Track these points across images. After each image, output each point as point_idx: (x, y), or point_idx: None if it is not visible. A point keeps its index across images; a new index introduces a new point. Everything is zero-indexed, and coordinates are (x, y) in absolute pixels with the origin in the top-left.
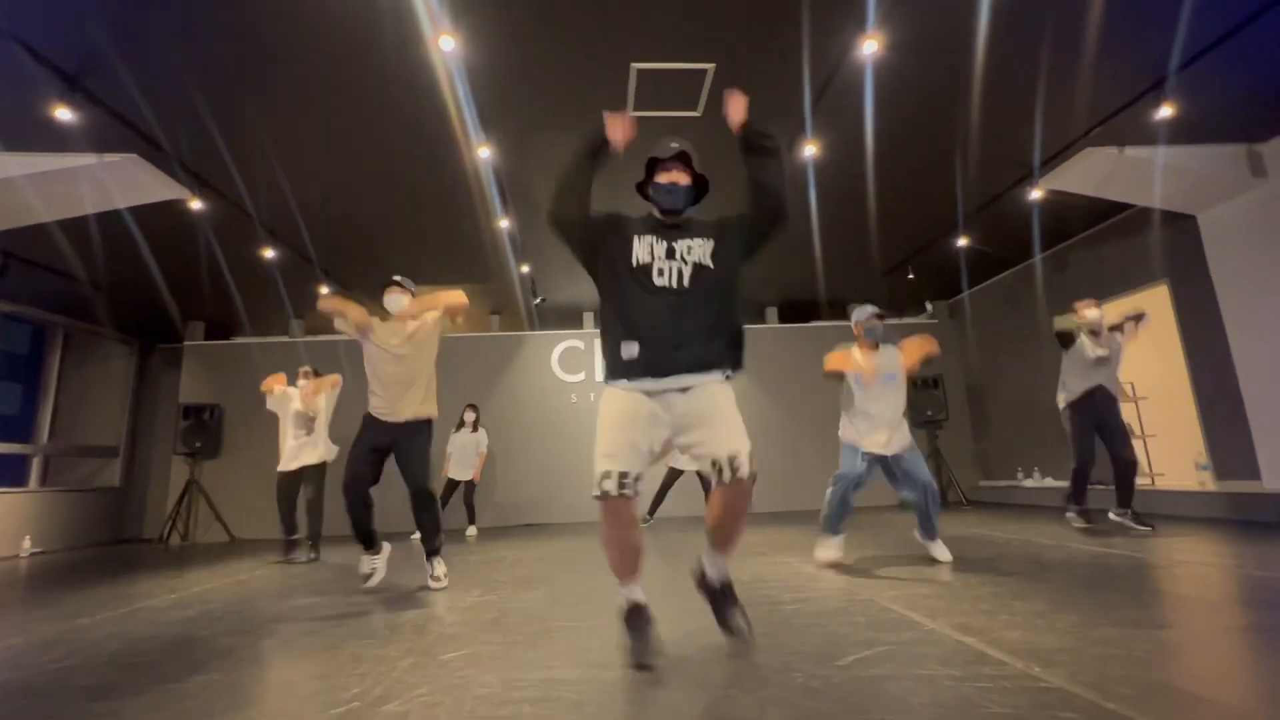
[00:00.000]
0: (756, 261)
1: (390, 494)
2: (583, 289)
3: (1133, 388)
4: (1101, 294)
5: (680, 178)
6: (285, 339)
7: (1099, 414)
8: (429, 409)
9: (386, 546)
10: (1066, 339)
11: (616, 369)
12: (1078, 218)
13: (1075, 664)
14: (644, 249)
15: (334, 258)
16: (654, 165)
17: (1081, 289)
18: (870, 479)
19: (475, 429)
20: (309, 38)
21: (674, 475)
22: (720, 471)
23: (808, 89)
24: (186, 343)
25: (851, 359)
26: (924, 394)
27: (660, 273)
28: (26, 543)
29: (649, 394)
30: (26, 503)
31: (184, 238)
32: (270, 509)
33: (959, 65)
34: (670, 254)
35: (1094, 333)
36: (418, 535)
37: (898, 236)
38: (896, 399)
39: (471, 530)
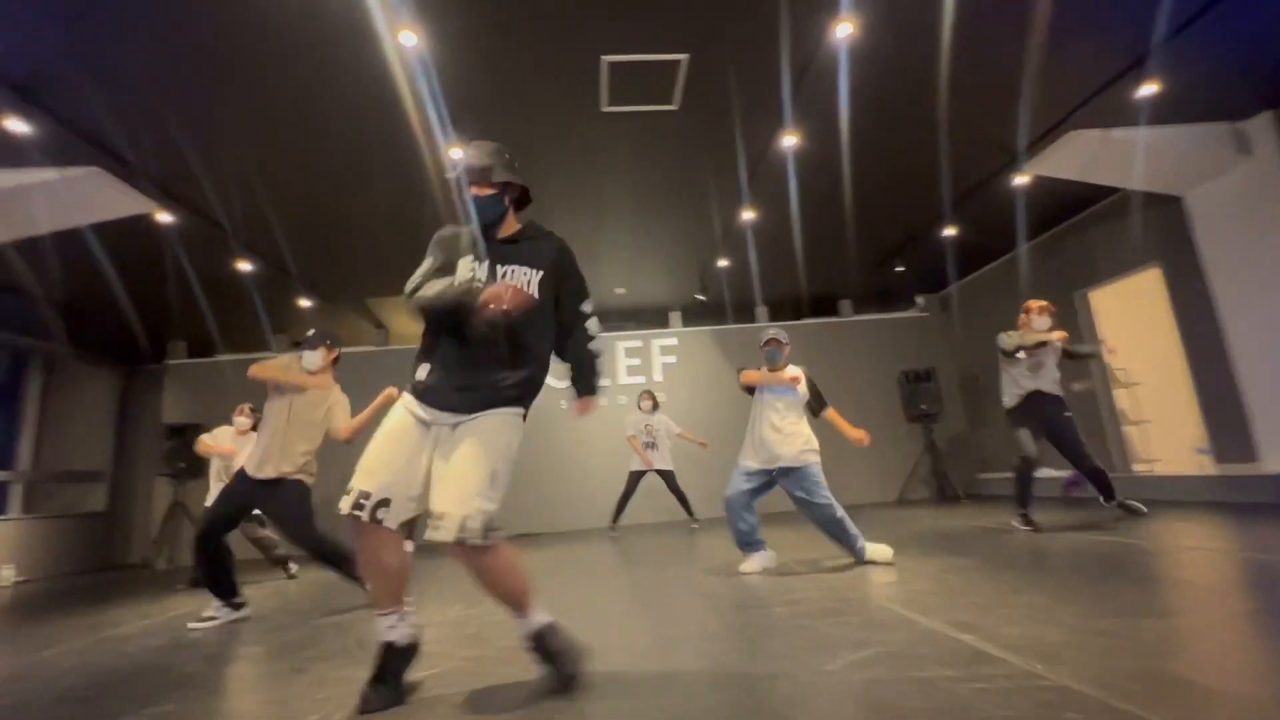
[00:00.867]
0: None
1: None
2: None
3: (1125, 374)
4: (1092, 280)
5: (481, 190)
6: (266, 355)
7: (1042, 419)
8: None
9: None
10: (1009, 352)
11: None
12: (1065, 203)
13: (1078, 659)
14: (465, 269)
15: (312, 268)
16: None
17: (1072, 276)
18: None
19: None
20: (274, 40)
21: (636, 479)
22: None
23: (786, 76)
24: (169, 362)
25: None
26: (918, 387)
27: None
28: (7, 572)
29: (425, 422)
30: (9, 531)
31: (156, 254)
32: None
33: (937, 46)
34: (492, 277)
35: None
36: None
37: (883, 228)
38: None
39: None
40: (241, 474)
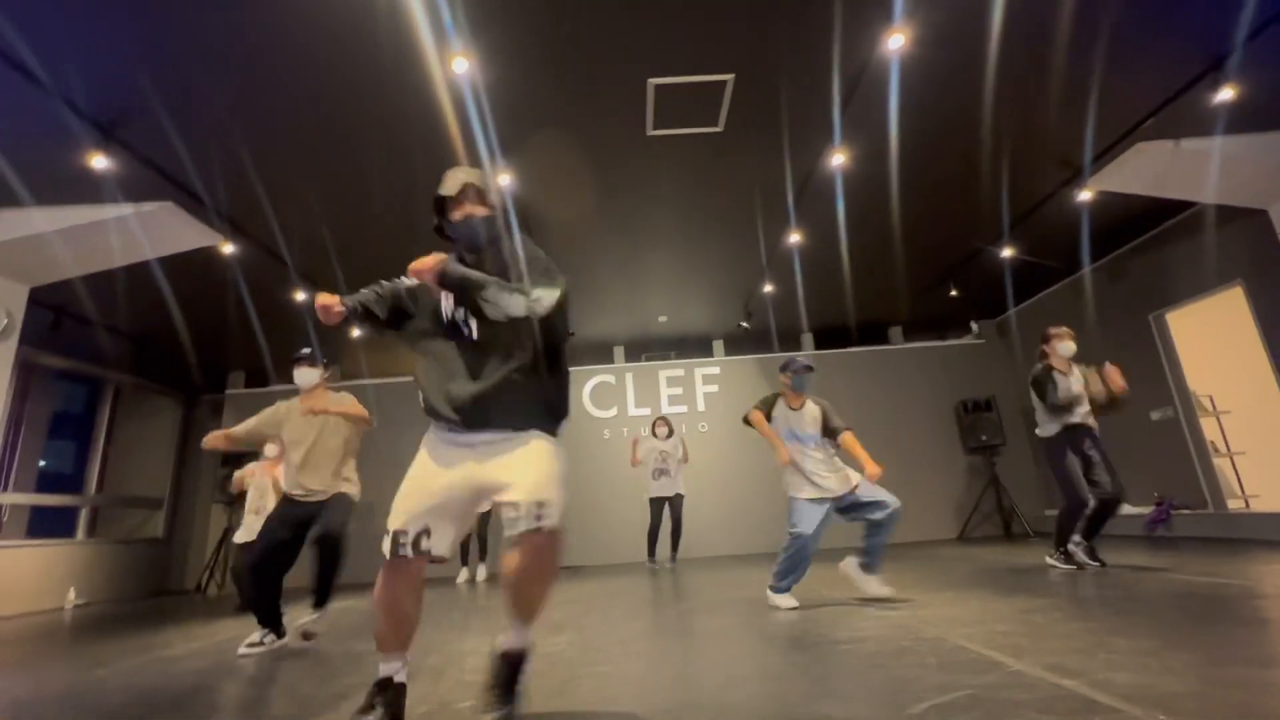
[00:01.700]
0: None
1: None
2: (612, 322)
3: (1212, 401)
4: (1168, 301)
5: (476, 209)
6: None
7: (1078, 448)
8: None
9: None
10: (1041, 388)
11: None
12: (1135, 220)
13: (1209, 711)
14: (449, 302)
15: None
16: (443, 203)
17: (1146, 297)
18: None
19: None
20: (336, 78)
21: (659, 506)
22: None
23: (835, 92)
24: (228, 391)
25: (770, 433)
26: (978, 418)
27: (462, 324)
28: (71, 594)
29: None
30: (73, 554)
31: (219, 286)
32: (301, 558)
33: (993, 57)
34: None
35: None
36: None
37: (936, 251)
38: (824, 450)
39: (481, 571)
40: (287, 499)
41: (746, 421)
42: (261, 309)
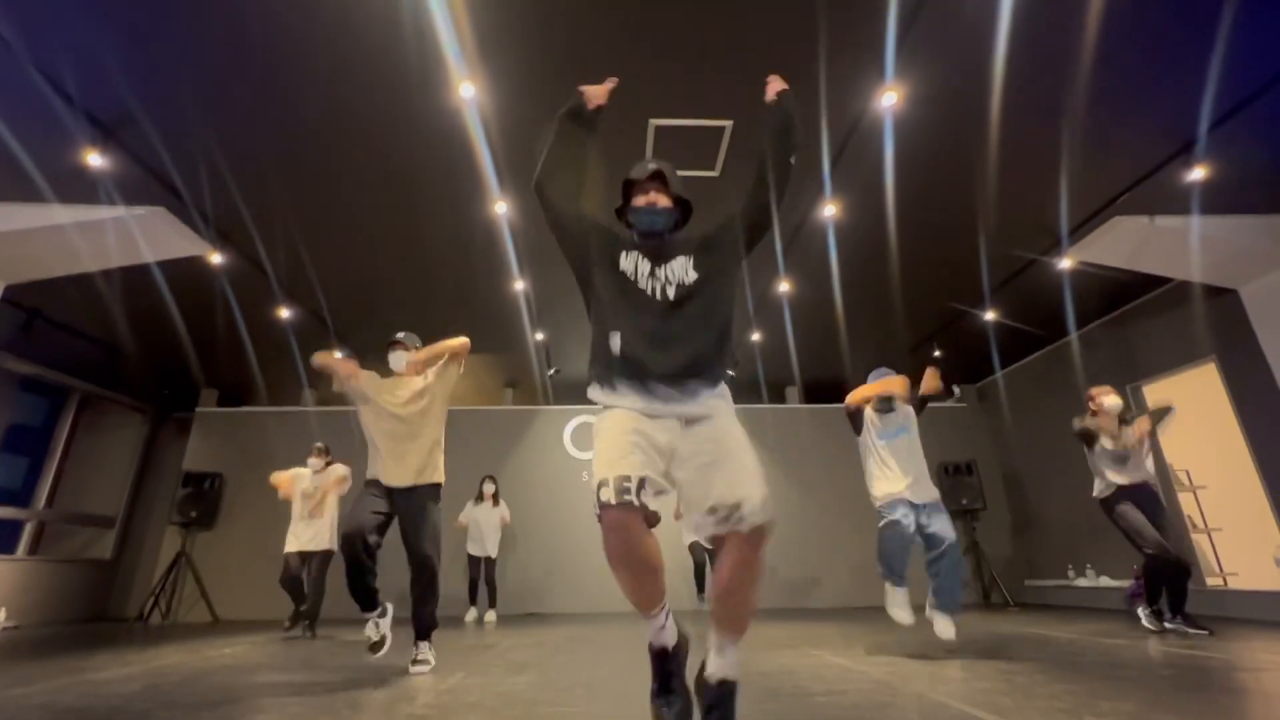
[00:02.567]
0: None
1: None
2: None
3: (1189, 476)
4: (1145, 374)
5: (659, 198)
6: (297, 408)
7: (1139, 505)
8: (435, 474)
9: (389, 608)
10: (1089, 438)
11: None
12: (1114, 292)
13: None
14: (628, 262)
15: (348, 320)
16: (630, 188)
17: (1122, 368)
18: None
19: (496, 502)
20: (330, 92)
21: (702, 550)
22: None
23: (825, 146)
24: (198, 410)
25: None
26: (958, 481)
27: (653, 290)
28: (1, 615)
29: (648, 415)
30: (9, 572)
31: (202, 297)
32: (258, 590)
33: (981, 122)
34: (654, 274)
35: (1109, 431)
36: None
37: (923, 310)
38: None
39: (491, 615)
40: (375, 483)
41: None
42: (245, 323)
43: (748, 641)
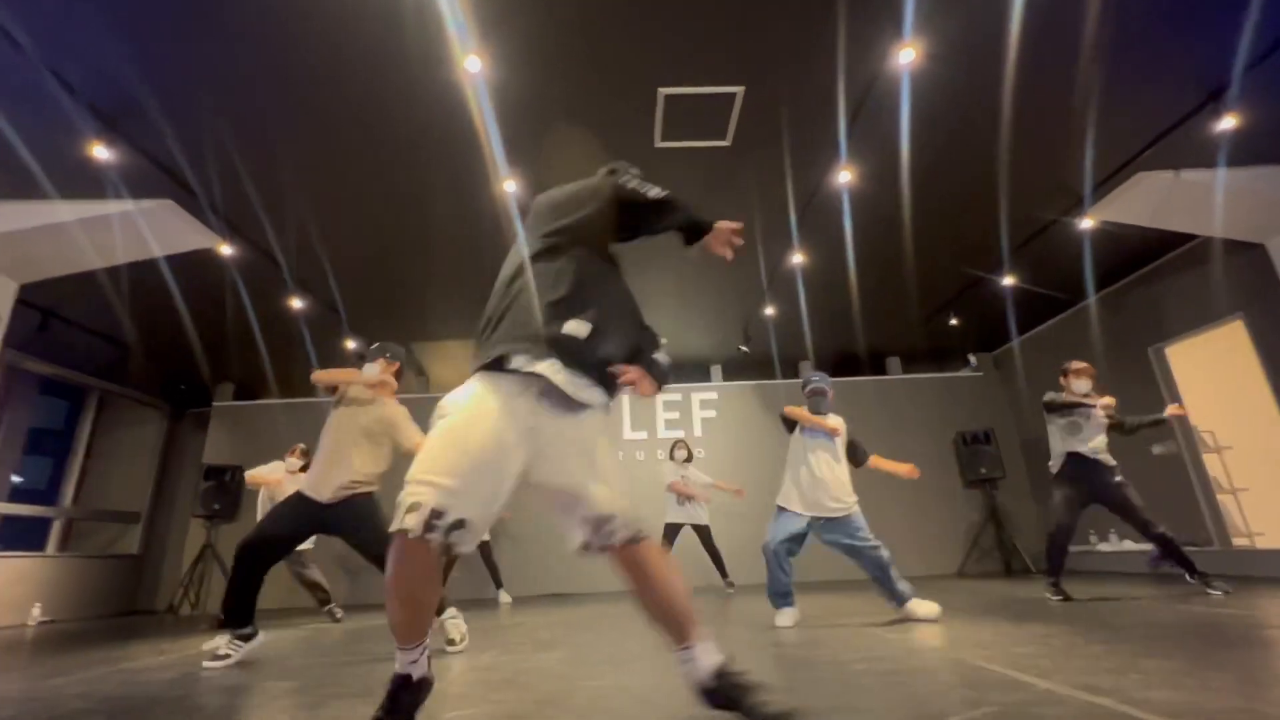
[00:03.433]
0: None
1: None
2: None
3: (1213, 437)
4: (1168, 334)
5: None
6: (313, 400)
7: (1089, 485)
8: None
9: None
10: (1068, 405)
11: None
12: (1136, 251)
13: None
14: None
15: (361, 308)
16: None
17: (1145, 330)
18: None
19: None
20: (336, 74)
21: (674, 532)
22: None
23: (842, 106)
24: (215, 404)
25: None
26: (977, 450)
27: None
28: (35, 610)
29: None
30: (41, 568)
31: (214, 290)
32: (282, 579)
33: (1000, 78)
34: None
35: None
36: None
37: (938, 277)
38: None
39: (505, 596)
40: (300, 496)
41: (785, 420)
42: (257, 316)
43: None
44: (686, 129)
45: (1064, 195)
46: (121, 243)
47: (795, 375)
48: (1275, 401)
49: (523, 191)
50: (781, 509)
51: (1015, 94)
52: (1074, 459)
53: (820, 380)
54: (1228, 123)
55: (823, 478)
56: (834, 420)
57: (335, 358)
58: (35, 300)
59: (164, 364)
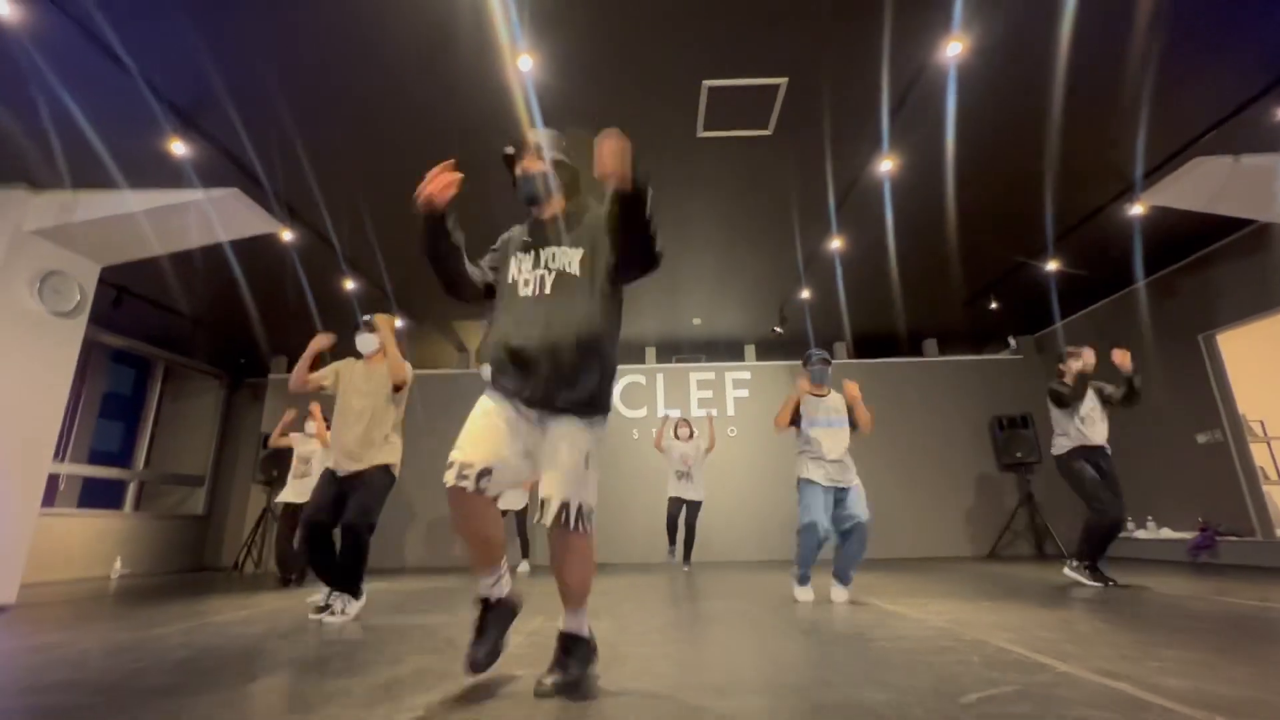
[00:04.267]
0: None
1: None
2: (646, 322)
3: (1263, 426)
4: (1218, 322)
5: (532, 165)
6: None
7: (1096, 463)
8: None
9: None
10: (1073, 396)
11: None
12: (1188, 237)
13: (1272, 716)
14: (513, 267)
15: (407, 289)
16: (510, 162)
17: (1193, 316)
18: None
19: None
20: (393, 66)
21: (677, 506)
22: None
23: (885, 98)
24: (271, 376)
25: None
26: (1013, 434)
27: (526, 283)
28: (118, 564)
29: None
30: (120, 526)
31: (272, 271)
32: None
33: (1050, 67)
34: (536, 263)
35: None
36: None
37: (981, 262)
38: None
39: (524, 566)
40: (328, 473)
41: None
42: (312, 295)
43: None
44: (729, 119)
45: (1115, 181)
46: (193, 229)
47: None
48: None
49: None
50: (807, 481)
51: (1068, 82)
52: (1083, 449)
53: (821, 352)
54: None
55: (836, 452)
56: (835, 395)
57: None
58: (110, 279)
59: (224, 337)
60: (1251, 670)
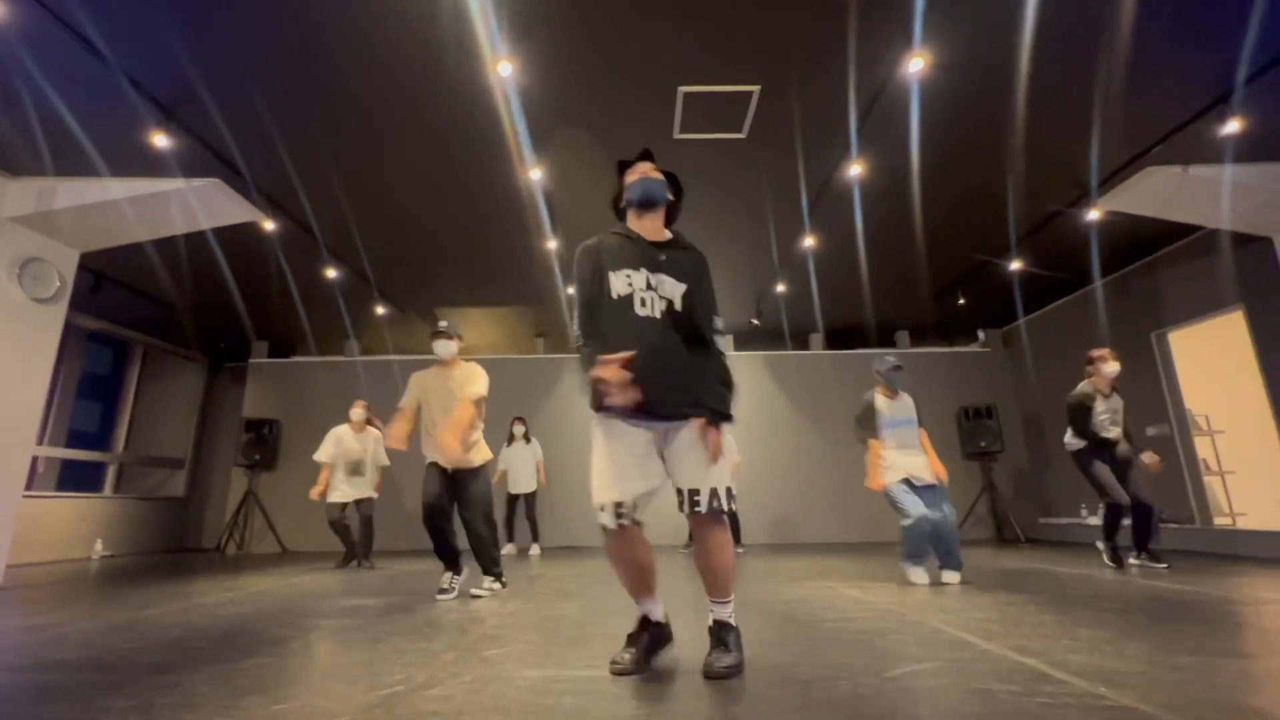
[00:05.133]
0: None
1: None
2: None
3: (1208, 420)
4: (1170, 321)
5: (652, 171)
6: (343, 358)
7: (1108, 460)
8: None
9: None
10: (1085, 410)
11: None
12: (1142, 240)
13: (1148, 687)
14: (621, 283)
15: (389, 278)
16: (623, 169)
17: (1148, 315)
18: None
19: (528, 440)
20: (374, 66)
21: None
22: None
23: (853, 108)
24: (251, 361)
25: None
26: (978, 424)
27: (643, 302)
28: (99, 545)
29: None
30: (100, 508)
31: (254, 259)
32: (319, 525)
33: (1009, 81)
34: (648, 285)
35: (1103, 393)
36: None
37: (947, 260)
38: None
39: (535, 549)
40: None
41: (864, 442)
42: (294, 283)
43: (768, 573)
44: (704, 122)
45: (1072, 187)
46: (173, 217)
47: (805, 347)
48: (1267, 390)
49: (547, 179)
50: (897, 483)
51: (1026, 96)
52: (1100, 445)
53: (894, 359)
54: (1232, 126)
55: (914, 449)
56: (908, 399)
57: (364, 321)
58: (88, 264)
59: (205, 322)
60: (1147, 646)
